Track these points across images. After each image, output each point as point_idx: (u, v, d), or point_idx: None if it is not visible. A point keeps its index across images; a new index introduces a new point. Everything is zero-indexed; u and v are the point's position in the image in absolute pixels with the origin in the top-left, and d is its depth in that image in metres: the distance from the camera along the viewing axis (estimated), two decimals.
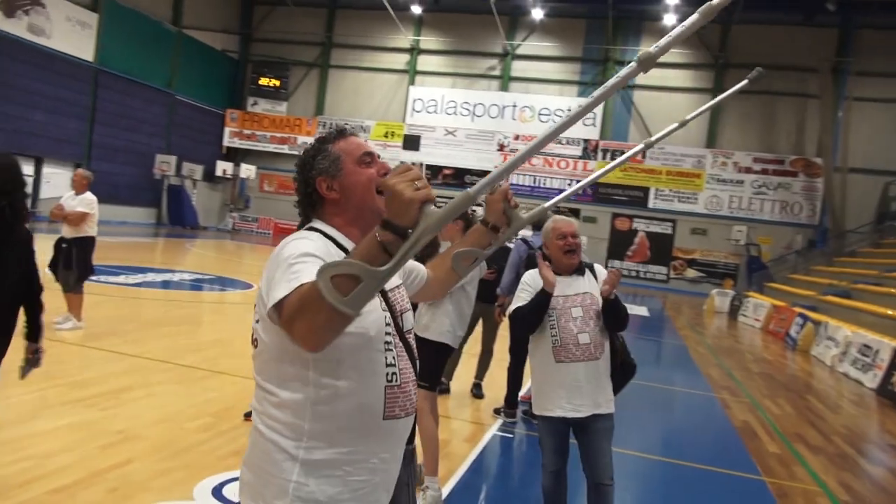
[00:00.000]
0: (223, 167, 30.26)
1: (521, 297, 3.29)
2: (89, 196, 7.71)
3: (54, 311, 7.60)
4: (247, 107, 32.23)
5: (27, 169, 23.10)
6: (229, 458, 4.11)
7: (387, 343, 1.59)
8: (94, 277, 10.57)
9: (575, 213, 28.43)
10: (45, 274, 7.71)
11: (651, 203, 28.19)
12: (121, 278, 11.68)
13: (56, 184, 23.26)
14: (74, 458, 3.88)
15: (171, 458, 4.03)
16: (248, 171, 30.80)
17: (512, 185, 25.26)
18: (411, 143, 29.31)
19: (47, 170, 23.38)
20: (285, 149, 31.51)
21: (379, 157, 1.76)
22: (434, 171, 29.48)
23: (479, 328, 6.59)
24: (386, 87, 31.03)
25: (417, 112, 30.50)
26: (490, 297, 6.09)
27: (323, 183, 1.68)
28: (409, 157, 29.06)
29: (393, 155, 29.45)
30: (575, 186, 2.27)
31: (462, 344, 6.46)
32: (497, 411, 5.93)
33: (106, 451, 4.05)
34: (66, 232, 7.60)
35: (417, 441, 3.29)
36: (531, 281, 3.33)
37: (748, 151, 27.29)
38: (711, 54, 27.37)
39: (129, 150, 26.36)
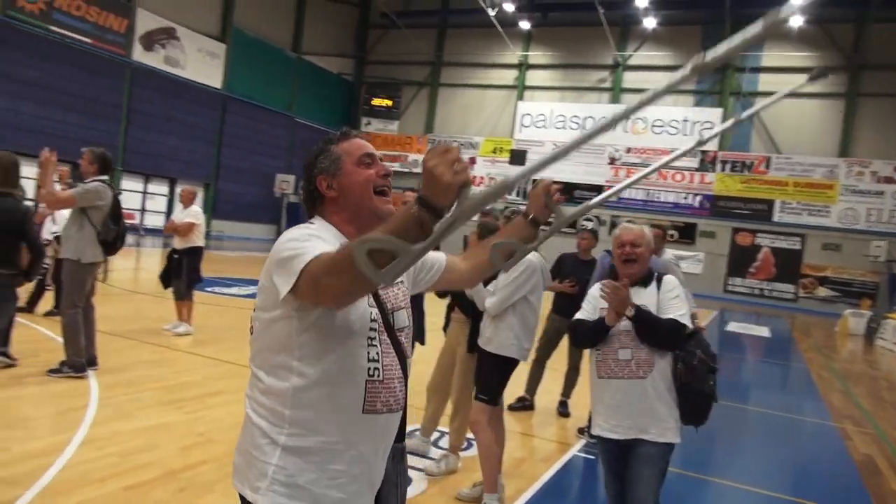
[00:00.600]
0: None
1: (584, 310, 3.14)
2: (195, 209, 8.19)
3: (165, 319, 8.12)
4: (360, 127, 33.35)
5: (162, 189, 25.12)
6: None
7: (371, 339, 1.63)
8: (208, 288, 11.29)
9: (691, 227, 27.19)
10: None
11: (776, 216, 26.39)
12: (234, 290, 12.34)
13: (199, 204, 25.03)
14: (154, 457, 4.06)
15: None
16: None
17: (623, 199, 24.62)
18: (518, 157, 29.19)
19: (179, 189, 25.22)
20: (396, 166, 32.26)
21: (381, 159, 1.79)
22: None
23: (564, 344, 6.36)
24: (494, 103, 31.16)
25: (526, 127, 30.38)
26: (574, 312, 5.84)
27: (323, 181, 1.73)
28: (516, 172, 28.87)
29: (501, 171, 29.48)
30: (620, 185, 2.11)
31: (545, 359, 6.27)
32: (581, 431, 5.67)
33: (184, 452, 4.21)
34: (177, 243, 8.11)
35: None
36: (597, 293, 3.08)
37: (888, 160, 24.97)
38: (844, 55, 25.38)
39: (252, 171, 28.00)
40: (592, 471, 5.05)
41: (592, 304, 3.11)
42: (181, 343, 7.37)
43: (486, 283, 4.13)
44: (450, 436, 4.55)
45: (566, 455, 5.15)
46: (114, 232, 5.59)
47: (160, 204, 25.08)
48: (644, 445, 2.92)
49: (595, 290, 3.13)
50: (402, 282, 1.81)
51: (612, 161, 28.77)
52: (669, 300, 3.00)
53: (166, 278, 7.97)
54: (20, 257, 4.91)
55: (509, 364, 3.93)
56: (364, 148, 1.77)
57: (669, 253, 5.97)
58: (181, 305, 7.91)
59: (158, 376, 5.96)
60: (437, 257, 1.98)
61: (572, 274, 6.17)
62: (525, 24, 28.98)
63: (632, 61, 28.83)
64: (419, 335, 4.60)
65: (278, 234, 21.54)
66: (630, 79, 28.88)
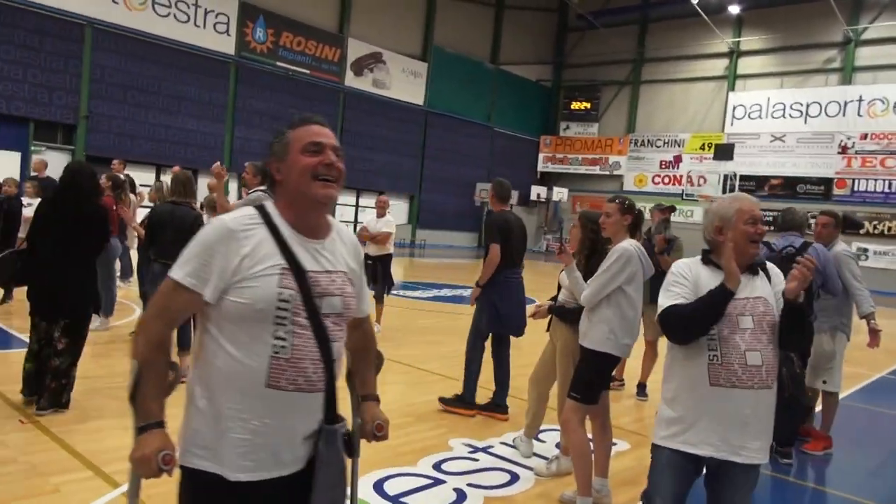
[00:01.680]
0: (537, 191, 31.55)
1: (674, 293, 2.50)
2: (390, 218, 8.73)
3: None
4: (559, 132, 33.21)
5: (372, 202, 27.15)
6: (406, 456, 4.26)
7: (280, 318, 1.67)
8: (393, 291, 11.97)
9: None
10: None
11: None
12: (417, 293, 12.94)
13: (395, 213, 26.80)
14: None
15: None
16: (560, 194, 31.61)
17: (860, 192, 21.75)
18: (724, 152, 26.90)
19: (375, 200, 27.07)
20: (597, 170, 31.64)
21: (335, 149, 1.81)
22: (758, 181, 26.67)
23: None
24: (701, 96, 29.18)
25: (738, 119, 28.00)
26: None
27: (273, 165, 1.83)
28: (722, 168, 26.75)
29: (710, 168, 27.46)
30: None
31: None
32: None
33: None
34: (372, 250, 8.64)
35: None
36: (687, 272, 2.56)
37: None
38: None
39: (453, 181, 29.16)
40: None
41: (685, 288, 2.51)
42: None
43: (585, 276, 3.91)
44: (561, 437, 4.35)
45: None
46: None
47: (371, 216, 27.08)
48: (751, 470, 2.49)
49: (682, 268, 2.58)
50: (343, 271, 1.83)
51: (844, 150, 25.41)
52: (782, 294, 2.49)
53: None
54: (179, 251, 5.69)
55: (606, 360, 3.67)
56: (313, 136, 1.79)
57: (842, 244, 5.13)
58: (378, 309, 8.36)
59: None
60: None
61: None
62: (734, 9, 26.78)
63: (866, 35, 25.28)
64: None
65: (479, 241, 22.54)
66: (865, 55, 25.35)
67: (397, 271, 18.32)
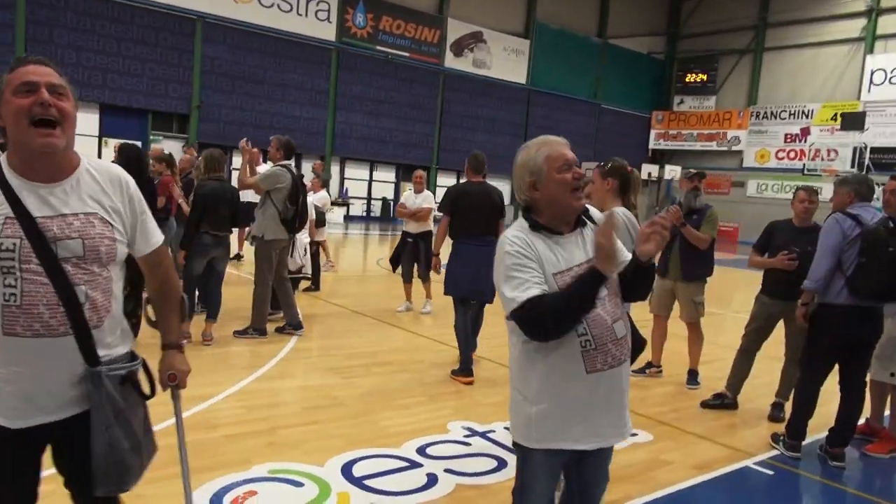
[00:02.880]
0: (648, 170, 30.06)
1: (523, 280, 2.01)
2: (428, 193, 8.59)
3: (396, 298, 8.68)
4: (672, 106, 31.45)
5: None
6: (394, 437, 4.10)
7: (5, 267, 1.67)
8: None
9: None
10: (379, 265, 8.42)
11: None
12: None
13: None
14: (271, 413, 4.39)
15: (343, 427, 4.22)
16: (673, 172, 29.95)
17: None
18: (852, 122, 24.16)
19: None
20: (713, 146, 29.73)
21: (52, 87, 1.70)
22: None
23: (779, 334, 5.14)
24: (833, 62, 26.55)
25: (877, 85, 25.25)
26: (792, 293, 4.66)
27: None
28: (851, 139, 24.10)
29: (839, 140, 24.93)
30: None
31: (754, 350, 5.18)
32: (776, 438, 4.50)
33: (307, 411, 4.46)
34: (412, 228, 8.53)
35: None
36: (526, 248, 2.06)
37: None
38: None
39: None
40: (754, 490, 3.98)
41: (535, 270, 2.04)
42: (393, 317, 7.82)
43: None
44: None
45: (732, 465, 4.14)
46: (292, 211, 6.19)
47: (409, 193, 27.01)
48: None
49: (517, 245, 2.06)
50: (87, 213, 1.76)
51: None
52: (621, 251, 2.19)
53: (397, 261, 8.45)
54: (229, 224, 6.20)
55: None
56: (24, 76, 1.69)
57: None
58: (426, 287, 8.25)
59: (350, 345, 6.40)
60: (142, 244, 1.96)
61: (788, 245, 4.95)
62: None
63: None
64: None
65: None
66: None
67: None
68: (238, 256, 10.89)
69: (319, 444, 3.91)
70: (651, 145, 31.70)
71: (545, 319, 1.96)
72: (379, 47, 23.44)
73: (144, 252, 1.96)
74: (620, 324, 2.12)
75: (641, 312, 5.83)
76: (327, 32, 22.43)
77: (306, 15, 21.92)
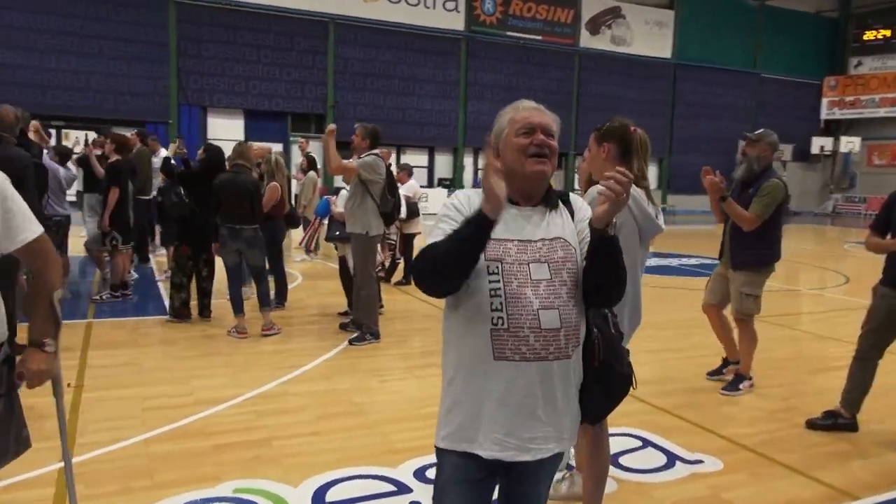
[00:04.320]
0: (820, 143, 26.82)
1: (440, 230, 1.80)
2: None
3: None
4: (848, 70, 27.69)
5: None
6: (398, 454, 3.61)
7: None
8: None
9: None
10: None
11: None
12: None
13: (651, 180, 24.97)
14: (289, 420, 4.08)
15: (345, 439, 3.81)
16: (850, 144, 26.45)
17: None
18: None
19: None
20: None
21: None
22: None
23: None
24: None
25: None
26: None
27: None
28: None
29: None
30: None
31: (874, 356, 4.08)
32: None
33: (317, 420, 4.09)
34: None
35: None
36: (464, 203, 1.84)
37: None
38: None
39: (710, 139, 26.12)
40: None
41: (458, 223, 1.76)
42: None
43: None
44: (574, 450, 3.28)
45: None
46: (391, 203, 5.84)
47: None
48: (538, 462, 1.83)
49: (461, 198, 1.86)
50: None
51: None
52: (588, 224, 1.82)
53: None
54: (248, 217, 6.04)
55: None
56: None
57: None
58: None
59: (409, 345, 5.98)
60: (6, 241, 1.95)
61: None
62: None
63: None
64: None
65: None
66: None
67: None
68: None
69: (306, 460, 3.50)
70: (823, 115, 28.16)
71: (426, 264, 1.74)
72: (509, 33, 22.81)
73: (9, 249, 1.95)
74: (554, 315, 1.74)
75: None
76: (456, 22, 22.19)
77: (434, 7, 21.82)
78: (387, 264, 8.81)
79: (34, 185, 5.04)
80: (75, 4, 17.89)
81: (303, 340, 5.94)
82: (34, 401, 4.36)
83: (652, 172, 25.70)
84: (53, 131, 14.70)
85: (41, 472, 3.31)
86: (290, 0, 19.91)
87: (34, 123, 6.43)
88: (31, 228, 2.00)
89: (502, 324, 1.72)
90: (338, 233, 7.08)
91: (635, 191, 2.61)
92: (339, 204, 7.23)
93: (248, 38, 19.72)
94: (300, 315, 6.95)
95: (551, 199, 1.86)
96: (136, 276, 8.20)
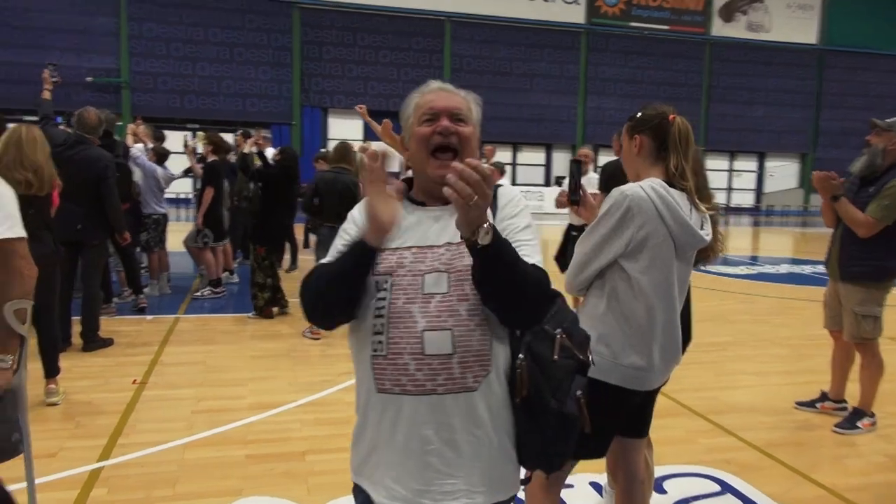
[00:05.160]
0: None
1: (335, 247, 1.57)
2: (593, 175, 7.35)
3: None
4: None
5: (750, 165, 23.65)
6: None
7: None
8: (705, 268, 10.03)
9: None
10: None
11: None
12: (740, 269, 10.65)
13: (782, 176, 23.03)
14: (334, 432, 3.83)
15: None
16: None
17: None
18: None
19: (770, 164, 23.35)
20: None
21: None
22: None
23: None
24: None
25: None
26: None
27: None
28: None
29: None
30: None
31: None
32: None
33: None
34: (575, 220, 7.39)
35: None
36: (358, 217, 1.61)
37: None
38: None
39: (862, 132, 23.51)
40: None
41: (347, 242, 1.56)
42: None
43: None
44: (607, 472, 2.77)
45: None
46: None
47: (748, 181, 23.71)
48: None
49: (357, 211, 1.64)
50: None
51: None
52: (515, 231, 1.52)
53: (563, 259, 7.32)
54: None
55: (604, 395, 2.11)
56: None
57: None
58: None
59: None
60: None
61: None
62: None
63: None
64: None
65: None
66: None
67: (781, 243, 15.58)
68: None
69: (334, 480, 3.25)
70: None
71: (306, 292, 1.50)
72: (633, 24, 21.75)
73: None
74: (444, 338, 1.39)
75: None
76: (576, 15, 21.46)
77: (553, 0, 21.21)
78: None
79: (115, 184, 5.21)
80: (210, 14, 19.02)
81: None
82: (94, 396, 4.48)
83: (792, 170, 23.58)
84: (179, 133, 15.68)
85: (72, 472, 3.29)
86: (408, 0, 20.08)
87: (131, 126, 6.70)
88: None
89: (381, 350, 1.43)
90: None
91: (672, 194, 2.11)
92: None
93: (367, 39, 20.11)
94: None
95: None
96: (235, 277, 8.37)
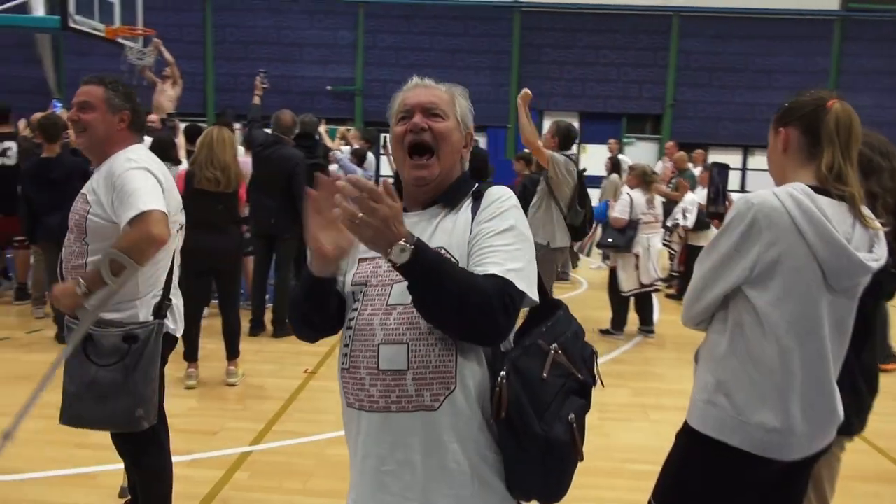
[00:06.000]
0: None
1: None
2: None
3: None
4: None
5: None
6: None
7: None
8: None
9: None
10: None
11: None
12: None
13: None
14: None
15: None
16: None
17: None
18: None
19: None
20: None
21: None
22: None
23: None
24: None
25: None
26: None
27: None
28: None
29: None
30: None
31: None
32: None
33: None
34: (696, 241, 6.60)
35: None
36: None
37: None
38: None
39: None
40: None
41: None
42: None
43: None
44: None
45: None
46: (580, 216, 5.12)
47: None
48: None
49: None
50: None
51: None
52: (489, 236, 1.37)
53: None
54: None
55: (726, 460, 1.68)
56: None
57: None
58: None
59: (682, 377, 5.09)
60: None
61: None
62: None
63: None
64: None
65: None
66: None
67: None
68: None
69: None
70: None
71: (290, 305, 1.56)
72: None
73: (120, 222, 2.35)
74: (400, 352, 1.33)
75: None
76: (827, 1, 18.94)
77: None
78: (662, 275, 7.82)
79: (304, 181, 5.56)
80: (436, 23, 19.94)
81: None
82: (267, 381, 4.76)
83: None
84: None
85: (224, 452, 3.54)
86: None
87: (341, 130, 7.13)
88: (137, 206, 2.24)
89: (345, 363, 1.41)
90: (610, 240, 6.47)
91: (820, 203, 1.61)
92: (616, 209, 6.60)
93: (587, 39, 19.64)
94: None
95: (452, 198, 1.47)
96: None
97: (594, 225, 9.08)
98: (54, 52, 19.03)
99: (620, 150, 17.00)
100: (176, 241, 2.49)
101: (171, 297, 2.46)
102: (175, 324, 2.52)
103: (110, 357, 2.27)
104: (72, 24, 7.86)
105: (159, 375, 2.44)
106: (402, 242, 1.19)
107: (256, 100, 6.17)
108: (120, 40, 8.71)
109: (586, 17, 19.48)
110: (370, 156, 9.13)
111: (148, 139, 5.73)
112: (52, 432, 2.90)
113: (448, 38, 19.99)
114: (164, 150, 4.81)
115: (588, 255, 10.29)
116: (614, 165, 9.94)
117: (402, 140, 1.45)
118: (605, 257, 10.16)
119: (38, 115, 6.38)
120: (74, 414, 2.32)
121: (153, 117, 6.84)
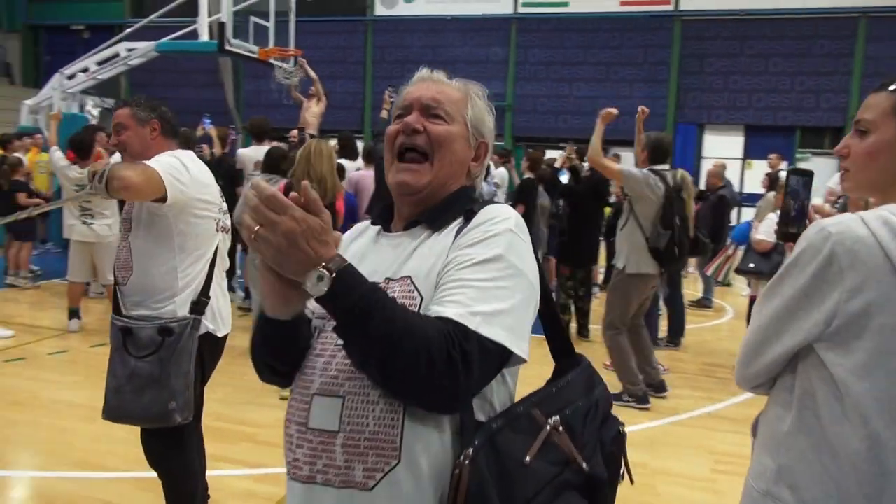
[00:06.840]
0: None
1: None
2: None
3: None
4: None
5: None
6: None
7: None
8: None
9: None
10: None
11: None
12: None
13: None
14: None
15: None
16: None
17: None
18: None
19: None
20: None
21: None
22: None
23: None
24: None
25: None
26: None
27: None
28: None
29: None
30: None
31: None
32: None
33: None
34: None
35: None
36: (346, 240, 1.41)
37: None
38: None
39: None
40: None
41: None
42: None
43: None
44: None
45: None
46: (665, 238, 4.46)
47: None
48: None
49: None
50: None
51: None
52: (461, 267, 1.09)
53: None
54: None
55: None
56: None
57: None
58: None
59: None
60: None
61: None
62: None
63: None
64: None
65: None
66: None
67: None
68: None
69: None
70: None
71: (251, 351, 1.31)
72: None
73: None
74: (333, 407, 1.07)
75: None
76: None
77: None
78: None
79: None
80: (591, 36, 19.43)
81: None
82: None
83: None
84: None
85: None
86: None
87: None
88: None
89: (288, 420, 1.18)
90: (752, 265, 5.77)
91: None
92: (761, 230, 5.88)
93: (757, 47, 18.17)
94: (688, 360, 5.90)
95: (437, 217, 1.21)
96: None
97: (731, 245, 8.19)
98: (234, 76, 20.93)
99: (792, 164, 15.50)
100: (216, 242, 2.55)
101: (209, 295, 2.50)
102: (216, 324, 2.56)
103: (146, 349, 2.35)
104: (227, 48, 8.47)
105: (198, 375, 2.49)
106: (319, 269, 0.92)
107: (384, 114, 6.24)
108: (271, 61, 9.26)
109: (756, 24, 18.04)
110: (501, 170, 8.95)
111: (262, 148, 5.97)
112: None
113: (602, 50, 19.40)
114: (275, 163, 4.96)
115: (725, 283, 9.26)
116: (772, 182, 8.94)
117: (392, 141, 1.24)
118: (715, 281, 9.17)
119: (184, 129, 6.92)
120: (114, 406, 2.42)
121: (294, 133, 7.14)
